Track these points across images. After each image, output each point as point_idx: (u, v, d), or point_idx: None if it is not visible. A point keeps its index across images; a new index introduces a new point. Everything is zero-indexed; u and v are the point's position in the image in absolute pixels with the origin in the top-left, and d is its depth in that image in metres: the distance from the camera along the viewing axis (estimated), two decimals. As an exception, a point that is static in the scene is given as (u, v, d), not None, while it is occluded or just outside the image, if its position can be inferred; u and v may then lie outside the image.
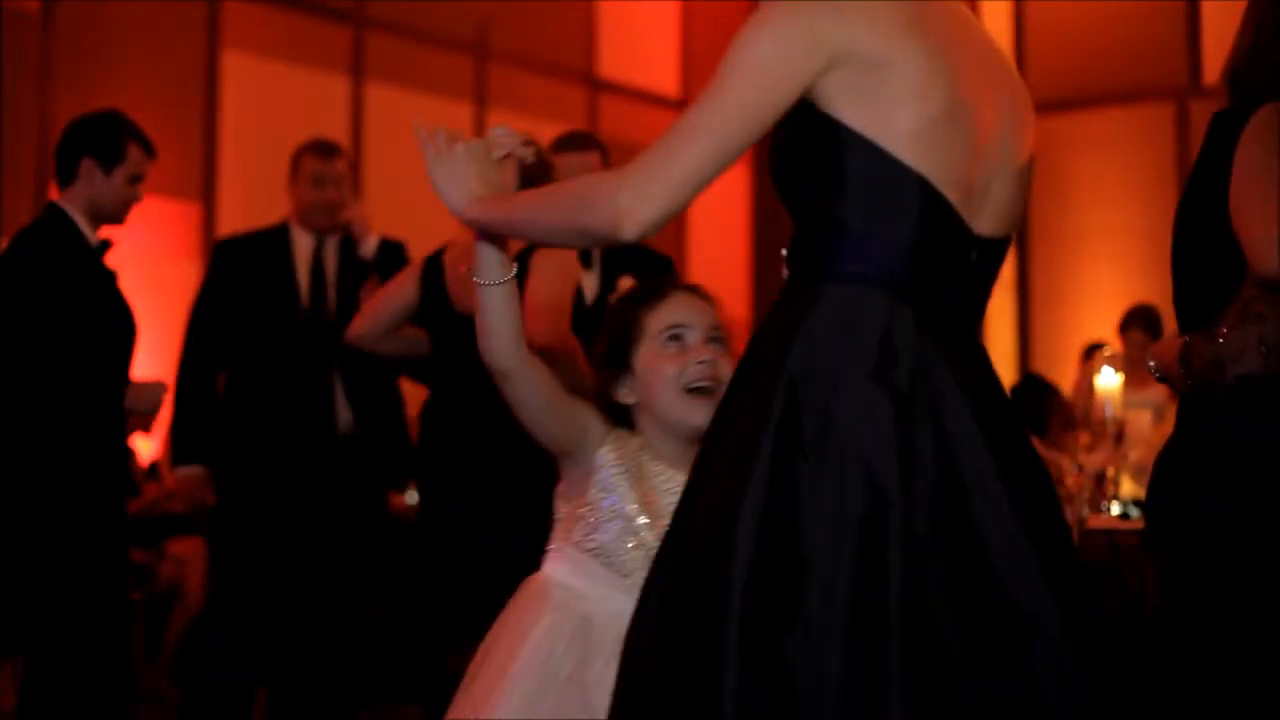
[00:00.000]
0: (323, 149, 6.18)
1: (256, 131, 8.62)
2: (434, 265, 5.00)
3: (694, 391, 3.02)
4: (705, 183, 2.57)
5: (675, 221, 11.31)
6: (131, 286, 5.26)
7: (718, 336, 3.14)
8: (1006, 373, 11.07)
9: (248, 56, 8.76)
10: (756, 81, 2.53)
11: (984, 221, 2.53)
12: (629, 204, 2.53)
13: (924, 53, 2.45)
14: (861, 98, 2.46)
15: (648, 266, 5.54)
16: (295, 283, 6.05)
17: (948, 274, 2.51)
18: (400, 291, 5.07)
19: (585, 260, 5.52)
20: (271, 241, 6.11)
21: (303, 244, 6.09)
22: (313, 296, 6.05)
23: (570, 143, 5.50)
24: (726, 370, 3.01)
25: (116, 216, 5.28)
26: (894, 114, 2.44)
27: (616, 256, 5.40)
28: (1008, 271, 11.55)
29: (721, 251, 11.98)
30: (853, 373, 2.42)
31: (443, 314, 4.88)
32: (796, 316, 2.49)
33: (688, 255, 11.62)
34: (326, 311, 6.00)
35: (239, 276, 6.02)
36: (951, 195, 2.47)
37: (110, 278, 5.19)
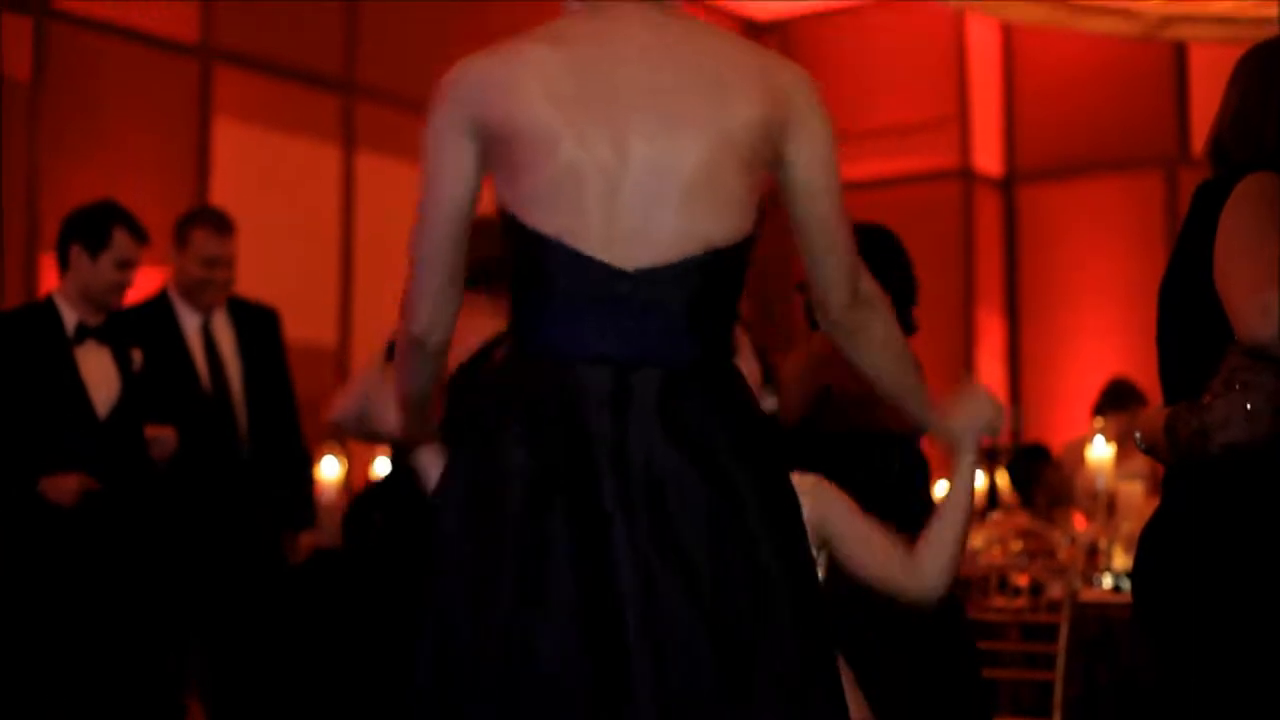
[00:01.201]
0: (218, 223, 6.01)
1: (248, 199, 8.61)
2: None
3: None
4: (451, 284, 2.62)
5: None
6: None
7: None
8: (997, 440, 11.06)
9: (239, 124, 8.77)
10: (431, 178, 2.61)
11: (644, 251, 2.46)
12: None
13: (552, 106, 2.47)
14: (501, 169, 2.53)
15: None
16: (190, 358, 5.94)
17: (605, 323, 2.46)
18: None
19: None
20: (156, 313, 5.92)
21: (189, 319, 5.96)
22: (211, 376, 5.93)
23: None
24: None
25: (106, 301, 5.32)
26: (521, 179, 2.49)
27: None
28: (998, 339, 11.56)
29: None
30: (496, 438, 2.44)
31: None
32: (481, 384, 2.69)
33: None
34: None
35: None
36: (590, 244, 2.45)
37: (73, 363, 5.20)
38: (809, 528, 2.77)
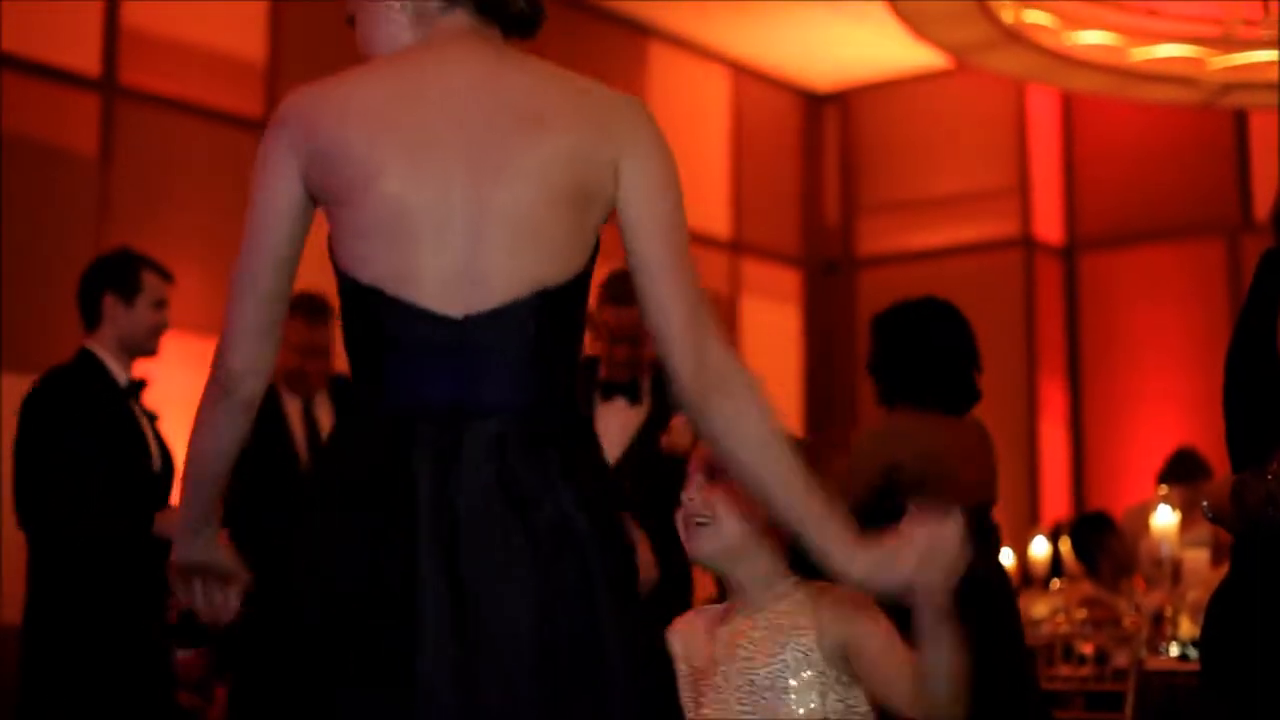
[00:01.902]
0: (311, 311, 5.98)
1: (308, 269, 8.67)
2: None
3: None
4: (270, 327, 2.54)
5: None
6: (180, 425, 5.27)
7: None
8: (1061, 508, 11.01)
9: (303, 199, 8.83)
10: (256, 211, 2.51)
11: (473, 296, 2.34)
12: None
13: (375, 140, 2.38)
14: (327, 206, 2.44)
15: None
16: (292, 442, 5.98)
17: (436, 373, 2.35)
18: None
19: (633, 394, 5.53)
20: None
21: (292, 403, 6.02)
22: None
23: (620, 294, 5.42)
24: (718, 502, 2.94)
25: (148, 346, 5.32)
26: (344, 217, 2.41)
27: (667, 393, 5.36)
28: (1060, 407, 11.51)
29: (773, 386, 11.94)
30: (328, 504, 2.37)
31: None
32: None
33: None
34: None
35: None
36: (416, 291, 2.35)
37: (146, 419, 5.21)
38: (827, 642, 2.72)
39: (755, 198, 12.11)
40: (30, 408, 5.13)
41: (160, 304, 5.32)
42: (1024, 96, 11.83)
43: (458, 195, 2.35)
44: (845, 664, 2.80)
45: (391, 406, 2.36)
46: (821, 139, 12.78)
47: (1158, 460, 8.52)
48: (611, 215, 2.47)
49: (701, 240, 11.47)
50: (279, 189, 2.45)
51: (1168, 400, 11.08)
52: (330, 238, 2.46)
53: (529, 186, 2.36)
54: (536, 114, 2.42)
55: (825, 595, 2.77)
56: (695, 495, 2.96)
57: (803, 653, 2.79)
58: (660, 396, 5.49)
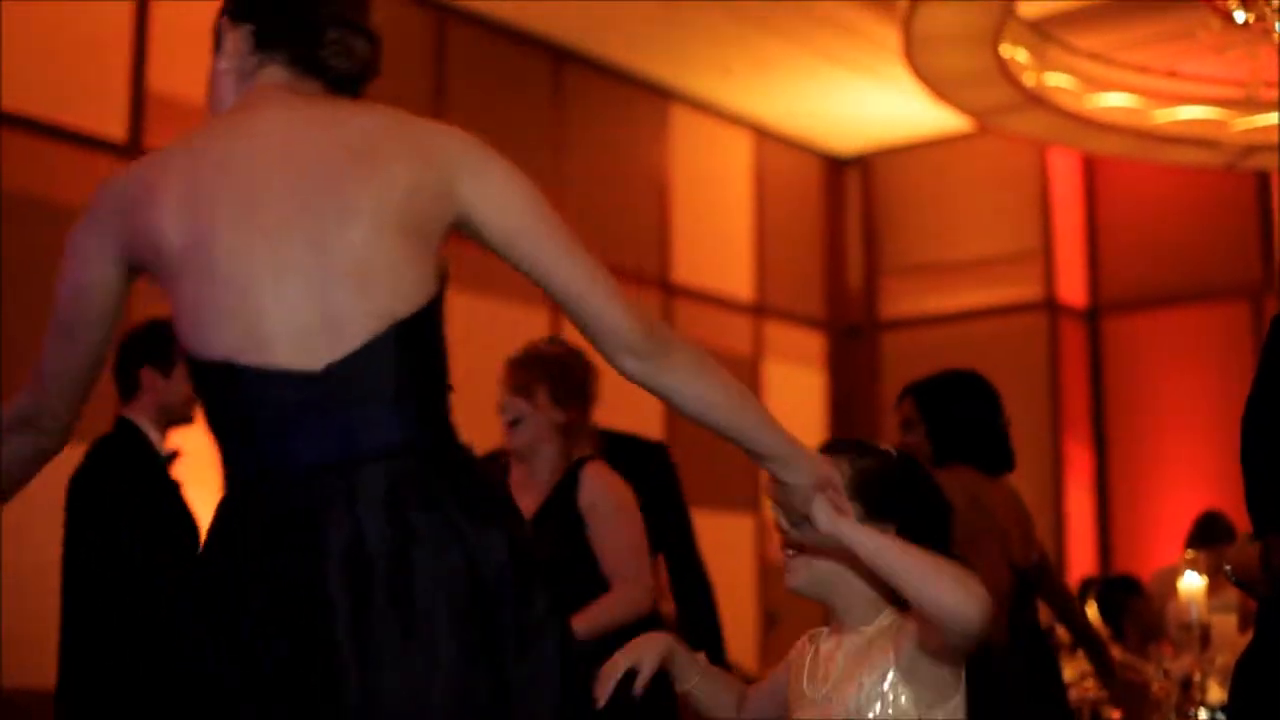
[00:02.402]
0: None
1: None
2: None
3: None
4: (69, 385, 2.58)
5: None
6: (204, 497, 5.28)
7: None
8: (1088, 571, 10.97)
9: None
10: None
11: (328, 345, 2.32)
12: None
13: (192, 216, 2.36)
14: (164, 290, 2.42)
15: (646, 458, 5.51)
16: None
17: (310, 430, 2.31)
18: None
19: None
20: None
21: None
22: None
23: None
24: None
25: (186, 415, 5.35)
26: (180, 298, 2.38)
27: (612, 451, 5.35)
28: (1086, 470, 11.47)
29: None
30: (227, 571, 2.33)
31: None
32: None
33: (763, 457, 11.59)
34: None
35: None
36: (268, 355, 2.31)
37: (176, 488, 5.23)
38: (904, 660, 2.70)
39: (778, 261, 12.13)
40: (81, 488, 5.17)
41: None
42: (1046, 159, 11.84)
43: (294, 247, 2.33)
44: (927, 680, 2.73)
45: (277, 473, 2.32)
46: (844, 202, 12.81)
47: (1184, 523, 8.48)
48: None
49: (724, 303, 11.49)
50: (83, 278, 2.49)
51: (1194, 462, 11.04)
52: (172, 317, 2.42)
53: (367, 225, 2.34)
54: (366, 152, 2.39)
55: (908, 620, 2.75)
56: (789, 528, 2.93)
57: (880, 676, 2.75)
58: (609, 458, 5.50)
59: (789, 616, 10.12)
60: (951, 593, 2.54)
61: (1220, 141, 9.90)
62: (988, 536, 4.72)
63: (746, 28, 10.19)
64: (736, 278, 11.80)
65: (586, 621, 4.19)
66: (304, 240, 2.33)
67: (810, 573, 2.82)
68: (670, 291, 11.12)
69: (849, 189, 12.83)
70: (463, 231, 2.46)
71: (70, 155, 7.83)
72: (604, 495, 4.52)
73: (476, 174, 2.45)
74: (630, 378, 2.49)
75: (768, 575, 11.27)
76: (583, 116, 10.62)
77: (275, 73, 2.53)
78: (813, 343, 12.46)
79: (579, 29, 10.25)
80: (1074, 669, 6.43)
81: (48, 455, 2.63)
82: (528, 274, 2.52)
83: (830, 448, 2.82)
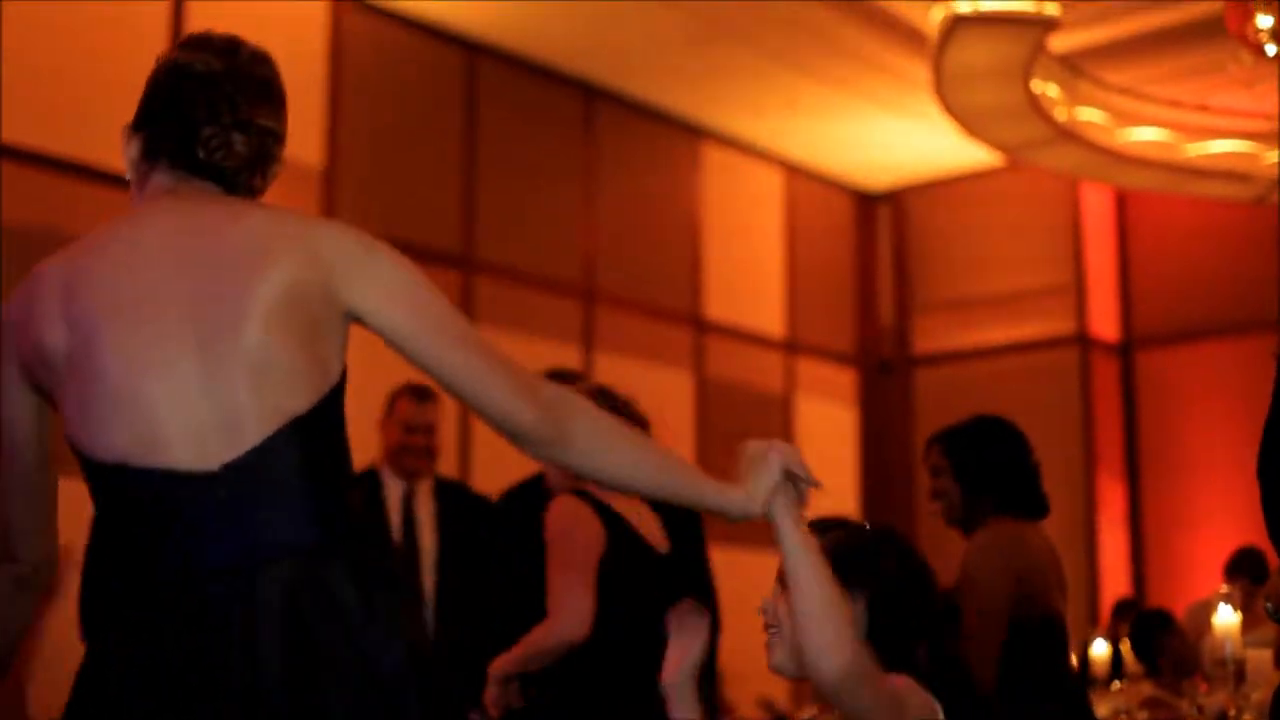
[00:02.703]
0: (418, 393, 6.21)
1: (370, 378, 8.72)
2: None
3: None
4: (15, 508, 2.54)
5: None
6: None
7: None
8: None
9: (359, 301, 8.89)
10: None
11: (224, 445, 2.32)
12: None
13: (77, 324, 2.37)
14: (58, 400, 2.43)
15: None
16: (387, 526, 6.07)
17: (206, 531, 2.30)
18: None
19: None
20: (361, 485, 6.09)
21: (393, 487, 6.12)
22: (405, 540, 6.07)
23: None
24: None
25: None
26: (73, 405, 2.38)
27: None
28: (1119, 505, 11.44)
29: (829, 485, 11.92)
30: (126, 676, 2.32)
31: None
32: None
33: (796, 494, 11.58)
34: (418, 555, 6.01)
35: None
36: (164, 456, 2.31)
37: None
38: None
39: (809, 297, 12.13)
40: None
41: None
42: (1078, 193, 11.83)
43: (185, 349, 2.35)
44: None
45: (178, 575, 2.31)
46: (875, 238, 12.81)
47: (1219, 557, 8.44)
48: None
49: (756, 340, 11.49)
50: (3, 412, 2.49)
51: (1228, 496, 11.00)
52: (64, 425, 2.41)
53: (256, 325, 2.36)
54: (246, 254, 2.41)
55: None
56: (767, 605, 2.90)
57: None
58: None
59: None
60: (821, 636, 2.59)
61: (1252, 175, 9.89)
62: (1044, 595, 4.75)
63: (777, 65, 10.22)
64: (768, 314, 11.81)
65: (512, 655, 4.29)
66: (195, 342, 2.35)
67: (787, 651, 2.80)
68: (702, 328, 11.13)
69: (880, 225, 12.83)
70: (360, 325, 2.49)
71: (114, 198, 7.86)
72: (548, 526, 4.58)
73: (362, 271, 2.47)
74: (541, 461, 2.56)
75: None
76: (614, 154, 10.64)
77: (162, 178, 2.55)
78: (844, 379, 12.45)
79: (610, 67, 10.28)
80: (1108, 706, 6.40)
81: (32, 584, 2.57)
82: (421, 368, 2.51)
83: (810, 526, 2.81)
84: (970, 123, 9.53)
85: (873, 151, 11.83)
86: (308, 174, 8.78)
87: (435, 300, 2.52)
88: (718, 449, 10.67)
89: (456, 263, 9.50)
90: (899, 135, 11.44)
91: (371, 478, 6.12)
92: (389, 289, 2.48)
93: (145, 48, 8.11)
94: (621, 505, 4.84)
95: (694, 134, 11.28)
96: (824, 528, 2.84)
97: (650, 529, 4.81)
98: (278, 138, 2.63)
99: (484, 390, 2.47)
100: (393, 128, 9.28)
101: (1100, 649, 7.82)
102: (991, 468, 4.93)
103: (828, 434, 12.09)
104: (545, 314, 9.98)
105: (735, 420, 11.15)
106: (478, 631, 5.79)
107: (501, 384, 2.47)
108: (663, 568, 4.85)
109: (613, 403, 4.67)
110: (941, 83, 8.93)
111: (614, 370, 9.16)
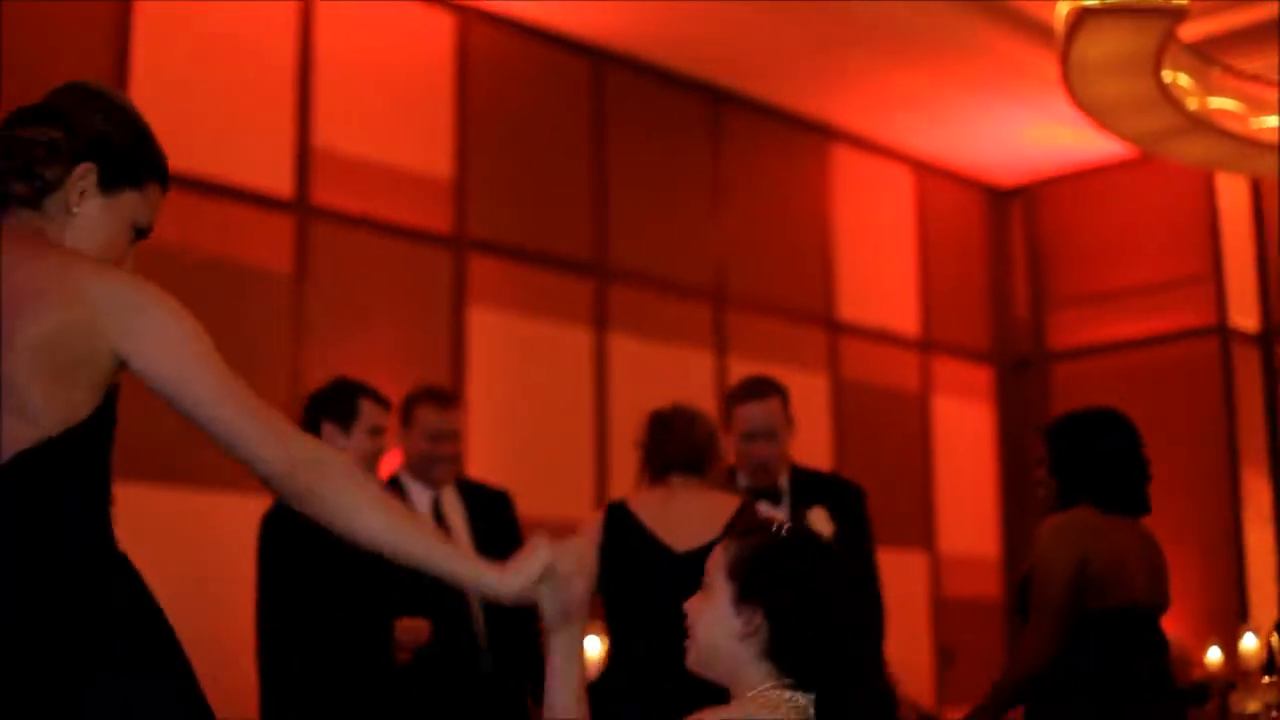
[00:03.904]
0: (439, 399, 6.09)
1: (504, 385, 8.78)
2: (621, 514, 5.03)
3: None
4: None
5: (921, 451, 11.25)
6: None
7: None
8: (1270, 602, 10.77)
9: (493, 311, 8.94)
10: None
11: None
12: None
13: None
14: None
15: (838, 495, 5.55)
16: None
17: None
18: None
19: (774, 496, 5.56)
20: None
21: (420, 496, 6.04)
22: None
23: (747, 393, 5.55)
24: None
25: (367, 471, 5.42)
26: None
27: (808, 490, 5.44)
28: (1265, 501, 11.27)
29: (968, 484, 11.86)
30: None
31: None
32: None
33: (934, 490, 11.52)
34: None
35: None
36: None
37: None
38: None
39: (943, 295, 12.06)
40: (270, 529, 5.30)
41: (376, 431, 5.45)
42: (1213, 181, 11.67)
43: None
44: None
45: None
46: (1008, 233, 12.71)
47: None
48: None
49: (891, 339, 11.44)
50: None
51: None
52: None
53: (20, 357, 2.59)
54: (26, 293, 2.63)
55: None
56: (687, 606, 2.89)
57: None
58: (799, 494, 5.52)
59: (965, 652, 10.03)
60: None
61: (1390, 160, 9.71)
62: (1116, 583, 4.74)
63: (904, 63, 10.17)
64: (902, 313, 11.75)
65: None
66: None
67: (695, 651, 2.81)
68: (835, 330, 11.09)
69: (1013, 220, 12.73)
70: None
71: (241, 214, 7.97)
72: None
73: (131, 322, 2.66)
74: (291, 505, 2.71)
75: (942, 611, 11.19)
76: (743, 157, 10.64)
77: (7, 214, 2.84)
78: (981, 377, 12.36)
79: (737, 71, 10.27)
80: (1258, 701, 6.32)
81: None
82: (179, 405, 2.69)
83: (728, 531, 2.89)
84: (1101, 115, 9.43)
85: (1003, 147, 11.75)
86: (438, 186, 8.85)
87: (200, 356, 2.70)
88: (856, 451, 10.65)
89: (588, 270, 9.53)
90: (1029, 129, 11.35)
91: (395, 486, 6.02)
92: (155, 340, 2.67)
93: (271, 70, 8.23)
94: (640, 502, 4.96)
95: (822, 135, 11.25)
96: (742, 533, 2.80)
97: (675, 527, 4.91)
98: (47, 146, 2.83)
99: (239, 445, 2.66)
100: (521, 137, 9.33)
101: (1250, 643, 7.74)
102: (1088, 460, 4.91)
103: (965, 432, 12.01)
104: (678, 319, 9.99)
105: (872, 421, 11.11)
106: (526, 628, 5.73)
107: (255, 441, 2.66)
108: (675, 564, 4.91)
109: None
110: (1070, 76, 8.84)
111: (748, 374, 9.16)
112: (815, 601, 2.71)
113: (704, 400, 9.85)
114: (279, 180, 8.16)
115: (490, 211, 9.04)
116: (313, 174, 8.28)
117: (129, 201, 2.96)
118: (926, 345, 11.86)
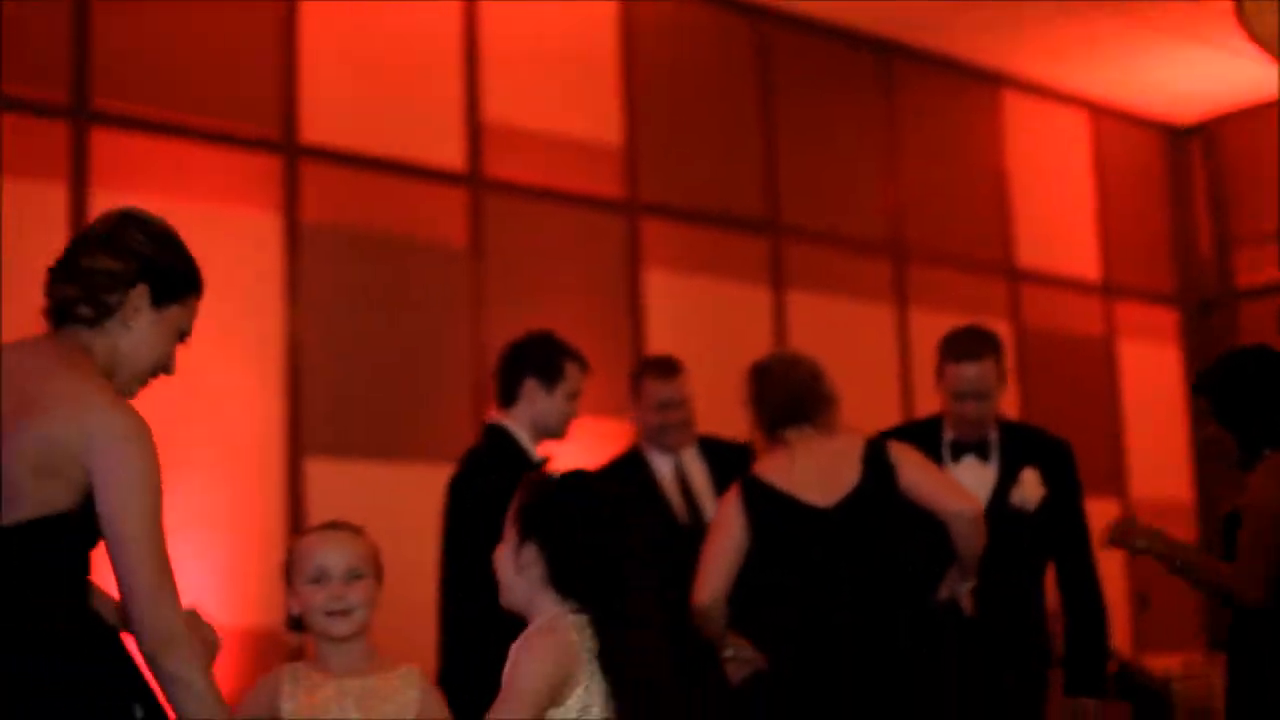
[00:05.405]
0: (663, 368, 6.14)
1: (682, 345, 8.78)
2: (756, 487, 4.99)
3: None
4: None
5: (1108, 397, 11.09)
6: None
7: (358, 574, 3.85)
8: None
9: (668, 273, 8.95)
10: None
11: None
12: None
13: None
14: None
15: (1050, 454, 5.44)
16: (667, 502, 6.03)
17: None
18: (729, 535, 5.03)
19: (984, 451, 5.46)
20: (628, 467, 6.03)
21: (662, 464, 6.06)
22: (689, 514, 6.01)
23: (963, 351, 5.44)
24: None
25: (558, 432, 5.46)
26: None
27: (1018, 447, 5.34)
28: None
29: (1158, 428, 11.68)
30: None
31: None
32: None
33: (1124, 436, 11.37)
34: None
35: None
36: None
37: None
38: None
39: (1124, 238, 11.88)
40: (456, 489, 5.34)
41: (575, 395, 5.47)
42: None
43: None
44: None
45: None
46: (1188, 172, 12.48)
47: None
48: None
49: (1073, 285, 11.30)
50: None
51: None
52: None
53: (18, 454, 3.08)
54: (49, 405, 3.11)
55: None
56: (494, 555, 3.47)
57: None
58: (1009, 451, 5.43)
59: (1159, 598, 9.89)
60: None
61: None
62: (1258, 511, 4.67)
63: (1075, 5, 10.02)
64: (1083, 258, 11.59)
65: None
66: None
67: (500, 591, 3.31)
68: (1016, 277, 10.97)
69: (1193, 159, 12.50)
70: None
71: (416, 190, 8.04)
72: None
73: (104, 452, 3.09)
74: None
75: (1136, 558, 11.03)
76: (914, 108, 10.55)
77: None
78: (1166, 319, 12.16)
79: (904, 22, 10.18)
80: None
81: None
82: (104, 529, 3.11)
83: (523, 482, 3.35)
84: (1274, 47, 9.23)
85: (1179, 84, 11.54)
86: (609, 152, 8.86)
87: (143, 496, 3.10)
88: (1042, 399, 10.53)
89: (763, 228, 9.50)
90: (1204, 66, 11.13)
91: (635, 459, 6.07)
92: (111, 477, 3.08)
93: (438, 46, 8.28)
94: (769, 468, 4.89)
95: (994, 82, 11.12)
96: (525, 485, 3.31)
97: (812, 484, 4.85)
98: (108, 275, 3.29)
99: (137, 600, 3.06)
100: (689, 99, 9.31)
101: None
102: (1255, 401, 4.78)
103: (1152, 376, 11.83)
104: (855, 274, 9.94)
105: (1057, 369, 10.98)
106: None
107: (141, 599, 3.06)
108: (819, 521, 4.85)
109: None
110: (1242, 8, 8.66)
111: (928, 326, 9.07)
112: (577, 534, 3.18)
113: (886, 355, 9.81)
114: (451, 155, 8.22)
115: (662, 175, 9.04)
116: (484, 147, 8.33)
117: (175, 314, 3.37)
118: (1109, 289, 11.69)
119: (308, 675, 3.81)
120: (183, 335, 3.44)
